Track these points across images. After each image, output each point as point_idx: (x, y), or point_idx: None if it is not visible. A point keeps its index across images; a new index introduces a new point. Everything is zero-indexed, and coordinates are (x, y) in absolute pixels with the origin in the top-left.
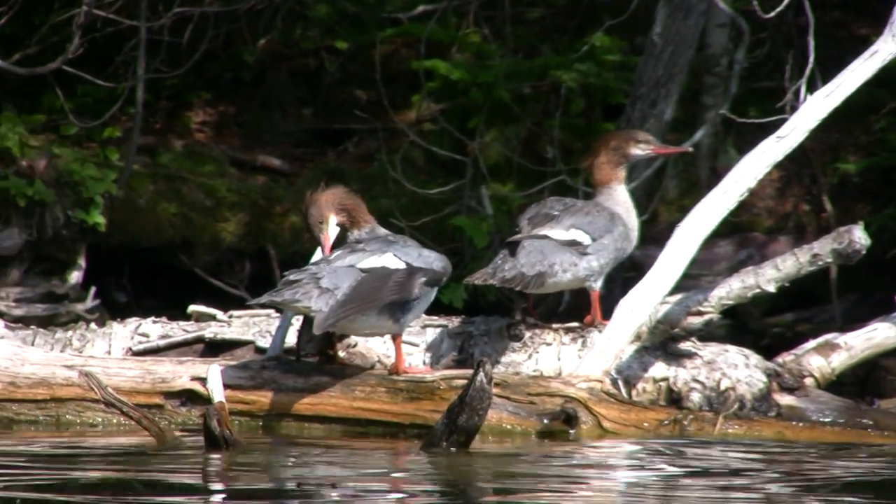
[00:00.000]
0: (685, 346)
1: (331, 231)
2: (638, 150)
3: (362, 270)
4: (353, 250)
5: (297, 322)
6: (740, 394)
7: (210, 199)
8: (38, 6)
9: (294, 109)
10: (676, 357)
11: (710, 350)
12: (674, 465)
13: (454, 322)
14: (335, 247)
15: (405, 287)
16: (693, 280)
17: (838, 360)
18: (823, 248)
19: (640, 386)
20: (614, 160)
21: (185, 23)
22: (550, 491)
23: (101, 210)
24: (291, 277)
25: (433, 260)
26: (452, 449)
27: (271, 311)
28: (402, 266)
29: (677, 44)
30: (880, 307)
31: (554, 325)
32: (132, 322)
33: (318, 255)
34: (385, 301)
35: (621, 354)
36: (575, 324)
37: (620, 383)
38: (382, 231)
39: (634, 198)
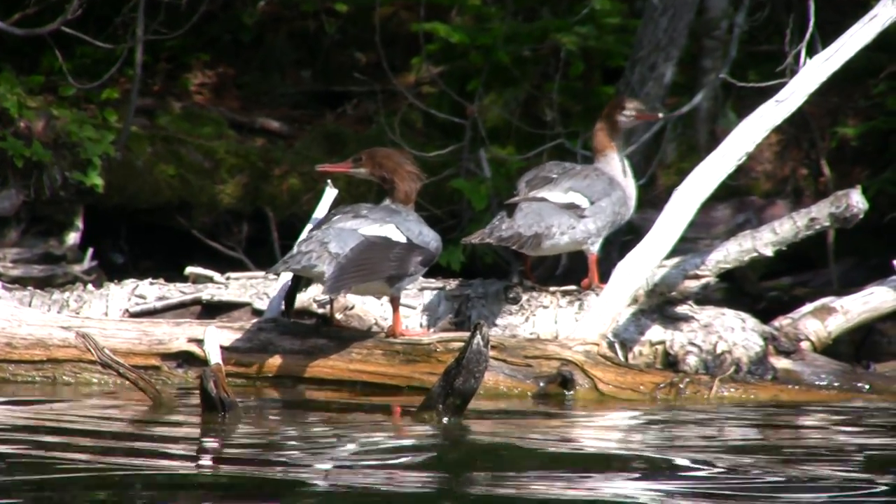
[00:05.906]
0: (682, 309)
1: (355, 170)
2: (623, 118)
3: (365, 237)
4: (356, 215)
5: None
6: (737, 357)
7: (208, 161)
8: None
9: (293, 72)
10: (673, 320)
11: (706, 313)
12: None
13: (451, 284)
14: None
15: (403, 264)
16: (691, 243)
17: (835, 324)
18: (821, 212)
19: (636, 349)
20: (606, 128)
21: None
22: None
23: (99, 171)
24: (304, 248)
25: (430, 240)
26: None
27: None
28: (404, 240)
29: (677, 7)
30: (877, 271)
31: (551, 288)
32: (129, 283)
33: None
34: (384, 275)
35: (618, 318)
36: (572, 287)
37: (617, 346)
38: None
39: (632, 162)
